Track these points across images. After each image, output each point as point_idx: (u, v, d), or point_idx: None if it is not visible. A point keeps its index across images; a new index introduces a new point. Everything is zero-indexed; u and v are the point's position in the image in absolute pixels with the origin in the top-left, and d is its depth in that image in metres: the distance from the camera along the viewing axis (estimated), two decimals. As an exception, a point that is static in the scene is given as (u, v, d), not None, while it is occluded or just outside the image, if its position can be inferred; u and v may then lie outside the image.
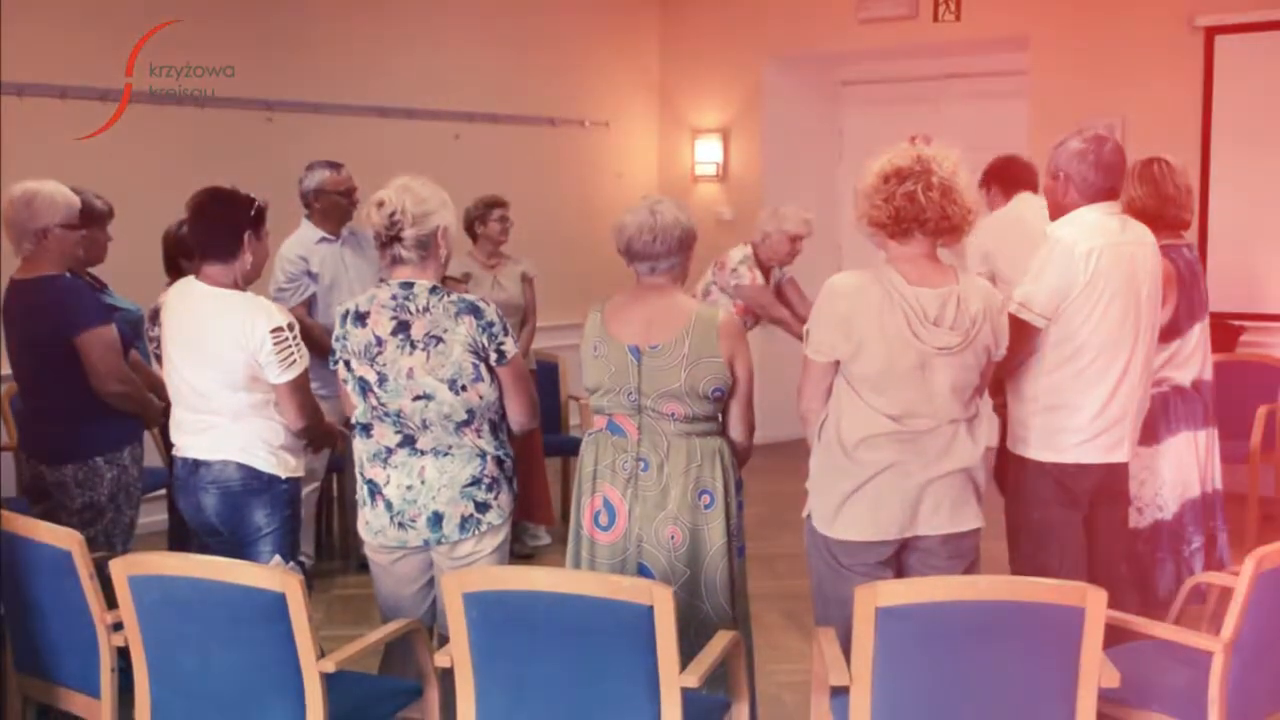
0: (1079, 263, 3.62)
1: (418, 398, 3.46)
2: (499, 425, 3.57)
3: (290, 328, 3.73)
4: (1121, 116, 7.23)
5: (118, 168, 6.18)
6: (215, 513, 3.83)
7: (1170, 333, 4.09)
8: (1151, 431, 4.08)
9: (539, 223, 7.50)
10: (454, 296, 3.47)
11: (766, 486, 6.34)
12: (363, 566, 5.95)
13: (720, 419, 3.63)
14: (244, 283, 3.81)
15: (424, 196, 3.49)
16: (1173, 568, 4.20)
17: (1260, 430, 6.17)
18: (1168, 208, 4.19)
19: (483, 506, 3.51)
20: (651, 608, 2.79)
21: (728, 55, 9.03)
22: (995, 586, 2.80)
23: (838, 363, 3.36)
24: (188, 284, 3.85)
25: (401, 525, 3.54)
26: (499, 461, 3.56)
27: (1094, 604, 2.73)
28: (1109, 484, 3.80)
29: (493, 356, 3.46)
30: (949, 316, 3.28)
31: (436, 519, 3.50)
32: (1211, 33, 7.19)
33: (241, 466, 3.78)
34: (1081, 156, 3.71)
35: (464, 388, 3.45)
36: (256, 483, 3.79)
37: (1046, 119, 7.66)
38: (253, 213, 3.80)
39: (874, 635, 2.78)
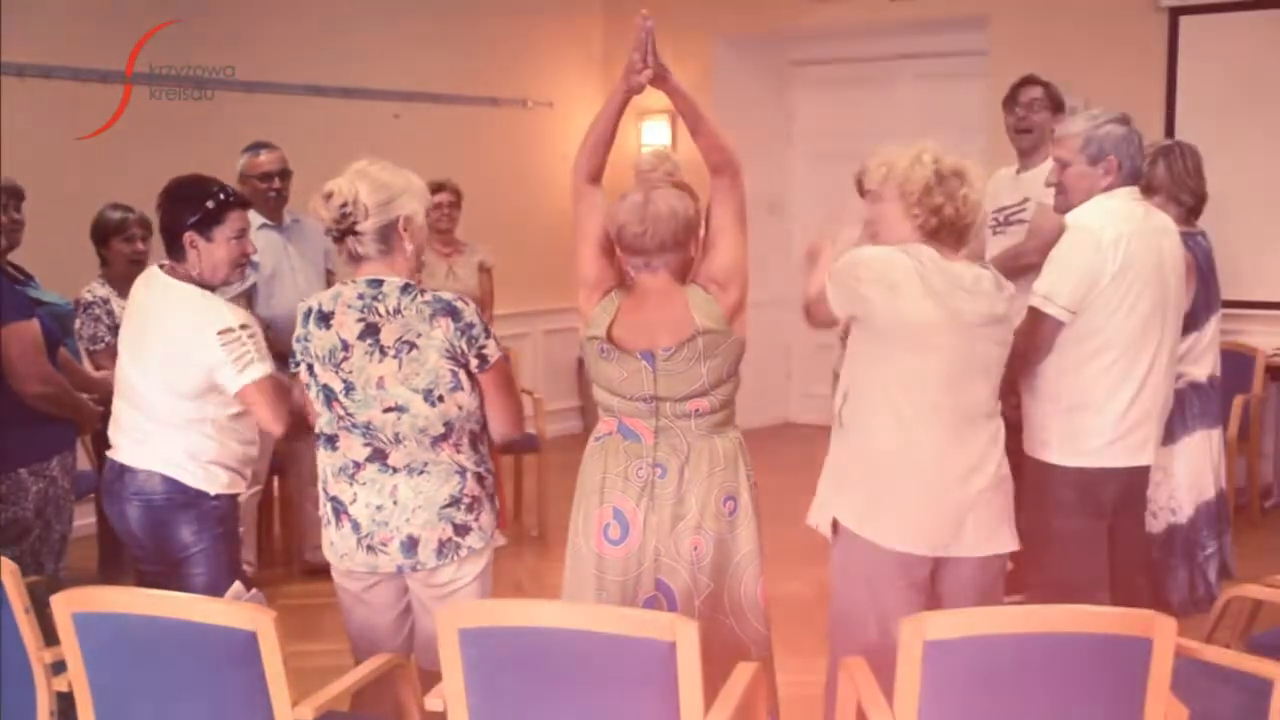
0: (1107, 251, 3.40)
1: (389, 409, 3.10)
2: (479, 437, 3.23)
3: (243, 327, 3.38)
4: (1084, 99, 7.00)
5: (43, 149, 5.78)
6: (138, 525, 3.50)
7: (1189, 325, 3.89)
8: (1168, 430, 3.86)
9: (482, 207, 7.17)
10: (429, 296, 3.12)
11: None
12: (308, 573, 5.69)
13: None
14: (205, 281, 3.46)
15: (382, 182, 3.13)
16: (1185, 575, 4.01)
17: (1237, 421, 6.03)
18: (1185, 194, 3.99)
19: (462, 529, 3.17)
20: (673, 644, 2.50)
21: (675, 33, 8.62)
22: (1057, 617, 2.54)
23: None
24: (152, 273, 3.52)
25: (371, 549, 3.18)
26: (480, 478, 3.22)
27: (1162, 634, 2.49)
28: (1131, 489, 3.59)
29: (474, 362, 3.12)
30: (986, 285, 3.11)
31: (411, 543, 3.15)
32: (1175, 13, 7.02)
33: (166, 479, 3.44)
34: (1128, 140, 3.50)
35: (441, 398, 3.10)
36: (181, 497, 3.44)
37: (1005, 101, 7.48)
38: (202, 211, 3.42)
39: (920, 671, 2.51)
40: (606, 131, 3.27)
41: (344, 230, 3.12)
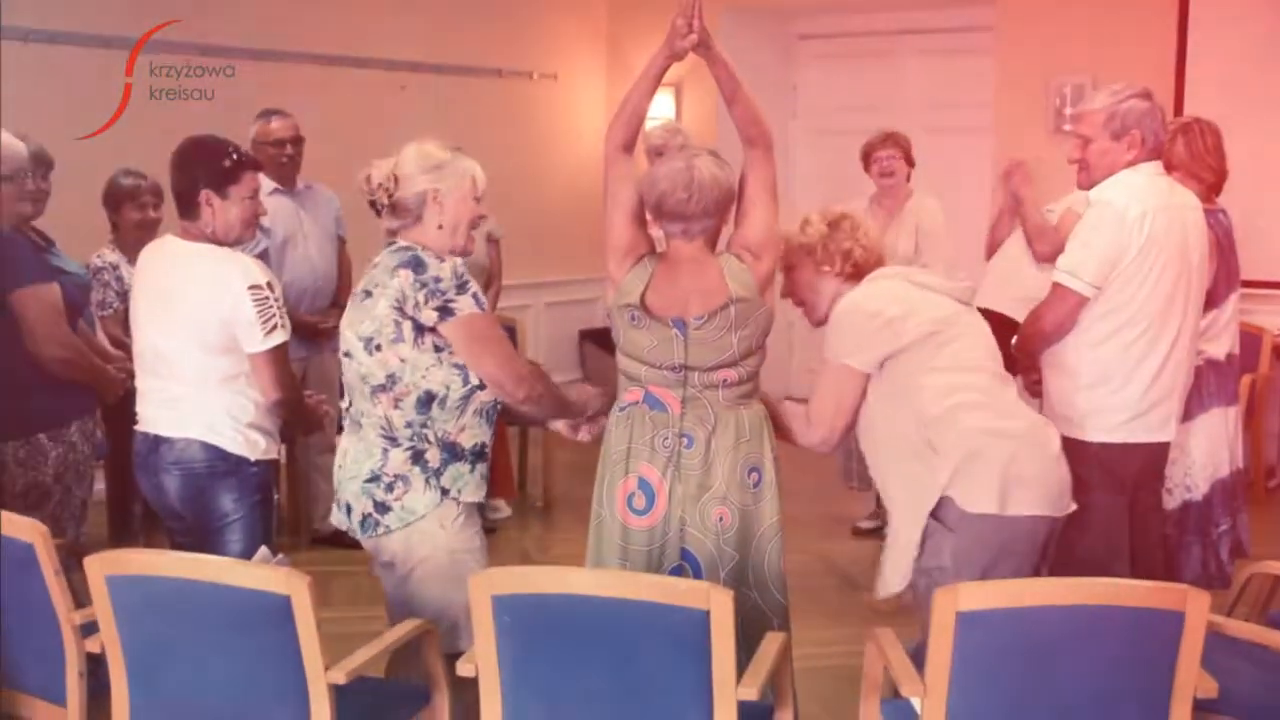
0: (1132, 227, 3.40)
1: (345, 355, 3.20)
2: (446, 402, 3.12)
3: (270, 287, 3.39)
4: (1091, 75, 7.03)
5: (47, 116, 5.73)
6: (178, 496, 3.48)
7: (1209, 303, 3.88)
8: (1185, 408, 3.86)
9: (486, 178, 7.12)
10: (406, 252, 3.12)
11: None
12: (316, 541, 5.69)
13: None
14: (218, 240, 3.45)
15: (420, 154, 3.22)
16: (1199, 551, 4.03)
17: (1245, 400, 6.04)
18: (1205, 171, 4.00)
19: (381, 507, 3.15)
20: (708, 612, 2.51)
21: (678, 4, 8.67)
22: (1090, 589, 2.56)
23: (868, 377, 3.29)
24: (163, 241, 3.52)
25: (338, 504, 3.27)
26: (416, 453, 3.12)
27: (1195, 608, 2.51)
28: (1151, 465, 3.61)
29: (430, 316, 3.05)
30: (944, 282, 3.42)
31: (349, 509, 3.22)
32: (1186, -14, 7.01)
33: (206, 446, 3.42)
34: (1151, 114, 3.49)
35: (379, 347, 3.10)
36: (222, 464, 3.43)
37: (1013, 77, 7.47)
38: (219, 169, 3.43)
39: (953, 642, 2.53)
40: (644, 99, 3.30)
41: (376, 204, 3.18)
